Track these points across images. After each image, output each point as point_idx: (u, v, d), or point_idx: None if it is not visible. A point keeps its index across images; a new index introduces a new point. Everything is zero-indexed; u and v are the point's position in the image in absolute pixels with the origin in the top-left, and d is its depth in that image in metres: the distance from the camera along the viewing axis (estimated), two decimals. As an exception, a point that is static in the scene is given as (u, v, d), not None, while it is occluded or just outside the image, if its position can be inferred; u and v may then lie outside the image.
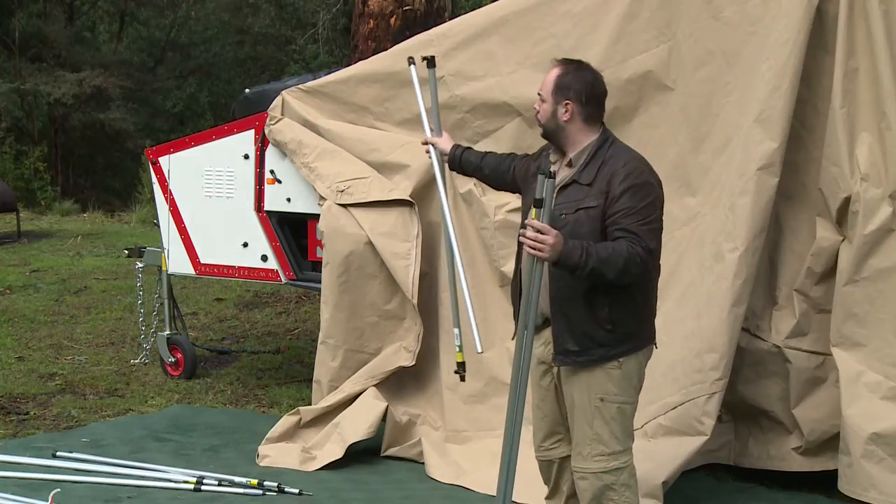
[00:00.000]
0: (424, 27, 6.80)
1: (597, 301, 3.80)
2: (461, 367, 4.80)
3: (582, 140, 3.92)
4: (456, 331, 4.84)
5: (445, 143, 4.64)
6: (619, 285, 3.76)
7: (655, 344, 4.04)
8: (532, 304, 3.72)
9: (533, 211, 3.65)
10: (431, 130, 4.81)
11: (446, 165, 4.73)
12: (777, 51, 4.88)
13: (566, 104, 3.91)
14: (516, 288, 4.08)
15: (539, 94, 3.99)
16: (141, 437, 5.87)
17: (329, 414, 5.63)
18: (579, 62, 4.02)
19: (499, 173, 4.42)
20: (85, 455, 5.44)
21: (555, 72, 3.96)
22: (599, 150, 3.89)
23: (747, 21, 5.06)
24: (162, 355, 7.18)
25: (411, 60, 4.96)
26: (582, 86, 3.93)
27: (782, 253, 5.11)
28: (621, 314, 3.83)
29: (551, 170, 3.69)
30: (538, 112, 3.99)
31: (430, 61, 4.83)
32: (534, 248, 3.63)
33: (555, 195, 3.75)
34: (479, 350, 4.37)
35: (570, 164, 3.92)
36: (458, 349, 4.82)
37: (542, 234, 3.61)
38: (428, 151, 4.74)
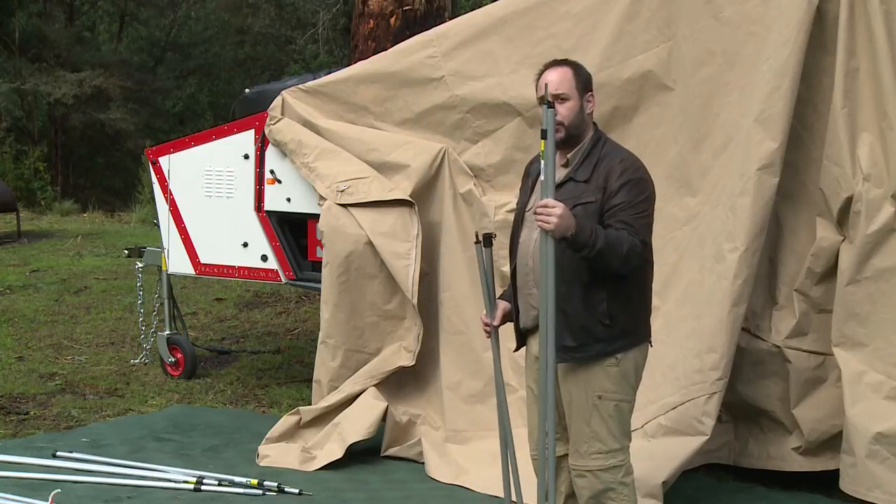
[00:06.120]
0: (424, 27, 6.80)
1: (595, 296, 3.81)
2: None
3: (583, 137, 3.93)
4: None
5: (499, 313, 4.08)
6: (617, 276, 3.77)
7: (650, 342, 4.04)
8: (549, 295, 3.69)
9: (542, 143, 3.63)
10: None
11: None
12: (777, 51, 4.87)
13: (590, 96, 3.93)
14: (514, 298, 4.04)
15: (557, 97, 3.83)
16: (141, 437, 5.87)
17: (329, 414, 5.63)
18: (567, 60, 4.03)
19: None
20: (85, 455, 5.44)
21: (564, 70, 3.90)
22: (594, 149, 3.90)
23: (747, 21, 5.06)
24: (162, 355, 7.18)
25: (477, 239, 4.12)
26: (590, 78, 3.97)
27: (782, 253, 5.11)
28: (618, 309, 3.84)
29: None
30: (557, 114, 3.77)
31: (486, 240, 4.05)
32: (541, 221, 3.62)
33: (552, 193, 3.74)
34: None
35: (565, 164, 3.91)
36: None
37: (548, 207, 3.61)
38: (489, 335, 4.11)
